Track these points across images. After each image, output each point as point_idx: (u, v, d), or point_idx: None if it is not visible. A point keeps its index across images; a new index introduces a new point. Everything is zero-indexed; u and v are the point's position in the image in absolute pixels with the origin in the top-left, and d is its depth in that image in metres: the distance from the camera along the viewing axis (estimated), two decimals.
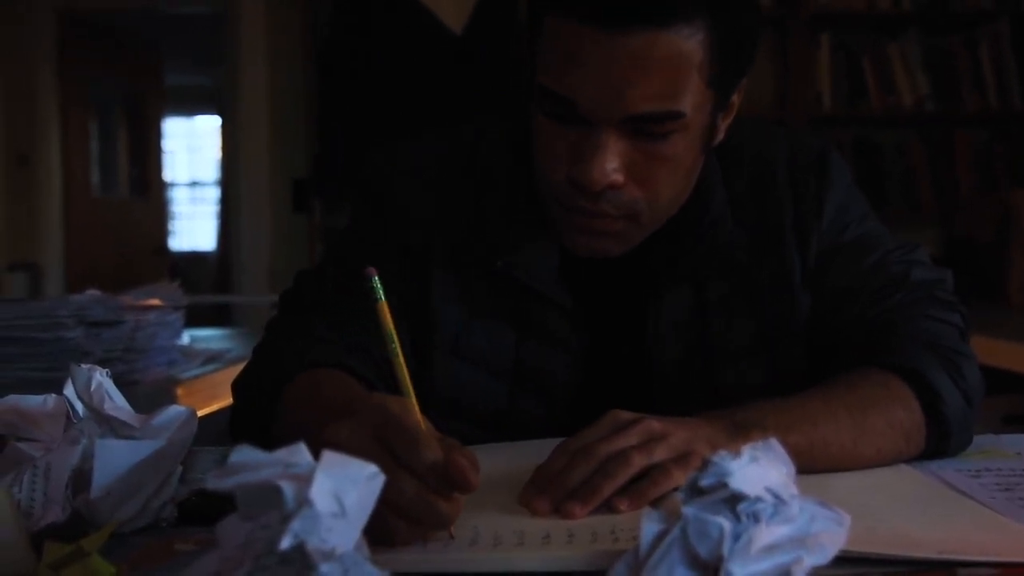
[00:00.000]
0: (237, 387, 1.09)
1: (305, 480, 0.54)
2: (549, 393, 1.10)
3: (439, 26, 3.91)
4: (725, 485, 0.60)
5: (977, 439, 1.04)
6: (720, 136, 1.05)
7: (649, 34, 0.92)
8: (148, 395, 1.64)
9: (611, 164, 0.96)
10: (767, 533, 0.59)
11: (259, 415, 1.00)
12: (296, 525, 0.53)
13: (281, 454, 0.56)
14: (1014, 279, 3.45)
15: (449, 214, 1.12)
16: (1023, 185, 3.88)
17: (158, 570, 0.69)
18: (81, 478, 0.76)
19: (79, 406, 0.81)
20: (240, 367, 1.11)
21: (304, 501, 0.53)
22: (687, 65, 0.93)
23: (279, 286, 1.18)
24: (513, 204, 1.10)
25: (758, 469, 0.61)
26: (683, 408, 0.96)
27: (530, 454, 0.88)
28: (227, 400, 1.62)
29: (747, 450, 0.61)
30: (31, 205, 5.13)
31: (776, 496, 0.60)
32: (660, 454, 0.82)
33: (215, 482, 0.55)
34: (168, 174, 7.93)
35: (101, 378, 0.81)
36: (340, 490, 0.55)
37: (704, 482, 0.60)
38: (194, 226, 9.43)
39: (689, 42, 0.93)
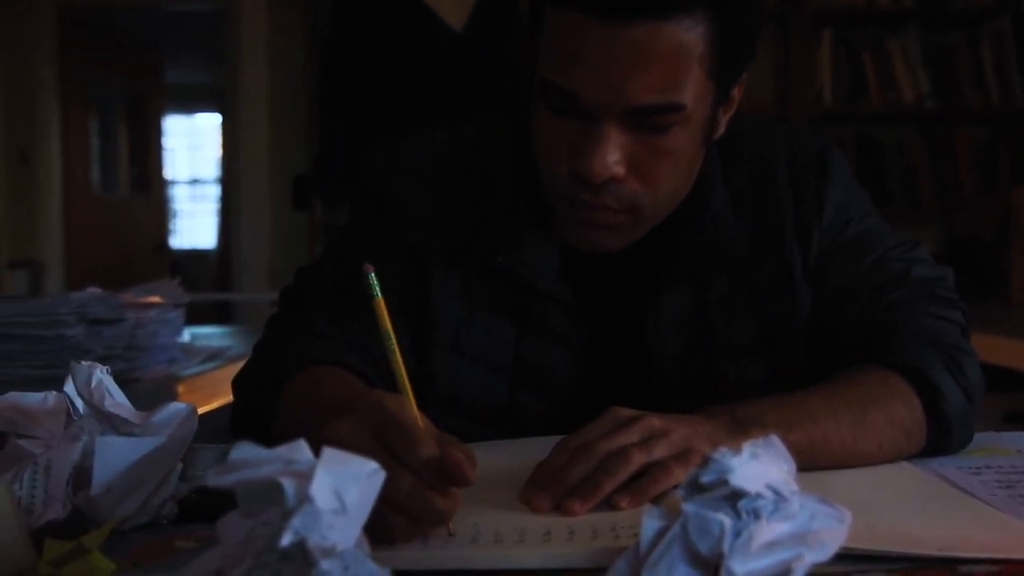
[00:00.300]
0: (237, 385, 1.09)
1: (306, 477, 0.54)
2: (549, 389, 1.10)
3: (439, 26, 3.90)
4: (726, 482, 0.60)
5: (978, 437, 1.04)
6: (721, 130, 1.06)
7: (650, 26, 0.92)
8: (149, 392, 1.64)
9: (612, 157, 0.96)
10: (768, 530, 0.59)
11: (259, 413, 1.00)
12: (297, 522, 0.53)
13: (282, 451, 0.56)
14: (1015, 277, 3.45)
15: (449, 213, 1.12)
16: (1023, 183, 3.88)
17: (159, 567, 0.69)
18: (82, 475, 0.76)
19: (79, 403, 0.81)
20: (240, 365, 1.11)
21: (305, 498, 0.53)
22: (688, 57, 0.94)
23: (279, 283, 1.18)
24: (513, 203, 1.10)
25: (759, 466, 0.61)
26: (683, 405, 0.97)
27: (531, 451, 0.88)
28: (228, 397, 1.62)
29: (747, 447, 0.61)
30: (32, 203, 5.13)
31: (777, 493, 0.60)
32: (660, 451, 0.82)
33: (216, 479, 0.55)
34: (169, 172, 7.93)
35: (101, 375, 0.81)
36: (341, 487, 0.55)
37: (705, 479, 0.60)
38: (195, 224, 9.42)
39: (690, 34, 0.93)
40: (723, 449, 0.61)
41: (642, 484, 0.80)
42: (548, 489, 0.80)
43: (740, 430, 0.86)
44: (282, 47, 4.50)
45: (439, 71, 3.84)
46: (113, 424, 0.79)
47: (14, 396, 0.82)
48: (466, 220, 1.12)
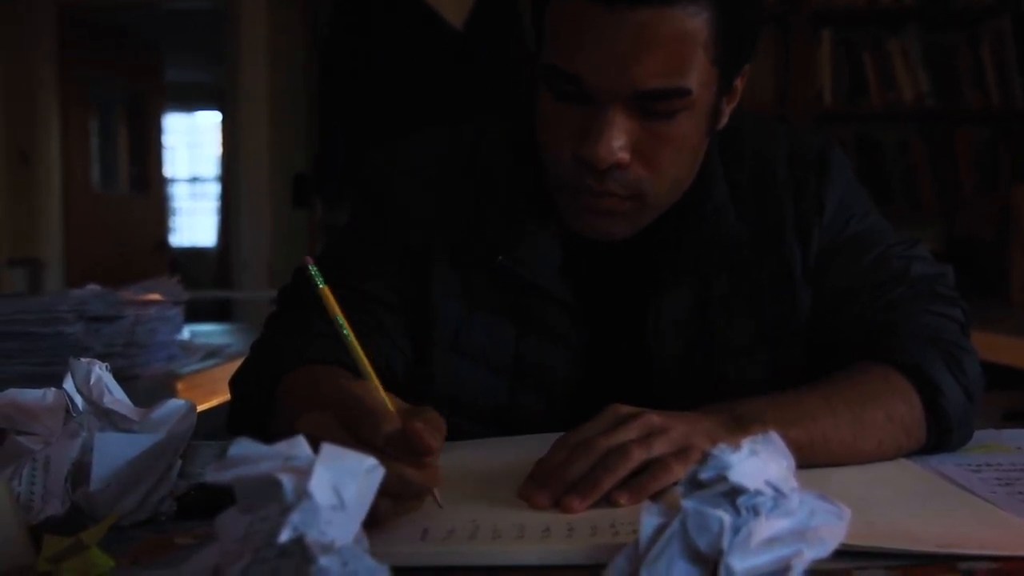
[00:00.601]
0: (235, 383, 1.09)
1: (304, 473, 0.54)
2: (549, 389, 1.10)
3: (439, 25, 3.90)
4: (725, 478, 0.59)
5: (978, 434, 1.04)
6: (724, 120, 1.06)
7: (655, 11, 0.92)
8: (148, 390, 1.64)
9: (617, 142, 0.96)
10: (767, 527, 0.59)
11: (256, 411, 1.00)
12: (295, 518, 0.53)
13: (280, 447, 0.56)
14: (1015, 276, 3.45)
15: (449, 212, 1.12)
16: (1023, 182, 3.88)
17: (157, 564, 0.69)
18: (80, 471, 0.76)
19: (78, 400, 0.81)
20: (240, 362, 1.11)
21: (303, 494, 0.53)
22: (693, 43, 0.94)
23: (279, 282, 1.18)
24: (514, 202, 1.10)
25: (758, 462, 0.60)
26: (683, 405, 0.96)
27: (530, 448, 0.88)
28: (227, 395, 1.61)
29: (747, 443, 0.61)
30: (32, 201, 5.13)
31: (776, 489, 0.60)
32: (659, 448, 0.82)
33: (214, 475, 0.55)
34: (168, 170, 7.93)
35: (100, 372, 0.81)
36: (339, 483, 0.55)
37: (704, 475, 0.60)
38: (194, 222, 9.42)
39: (695, 20, 0.93)
40: (722, 445, 0.61)
41: (641, 481, 0.80)
42: (547, 485, 0.80)
43: (739, 427, 0.86)
44: (282, 46, 4.50)
45: (439, 71, 3.84)
46: (112, 421, 0.79)
47: (13, 393, 0.82)
48: (466, 219, 1.12)
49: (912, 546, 0.68)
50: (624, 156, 0.97)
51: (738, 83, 1.05)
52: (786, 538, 0.59)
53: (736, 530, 0.58)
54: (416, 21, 3.90)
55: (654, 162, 0.99)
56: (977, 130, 4.10)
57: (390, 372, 1.06)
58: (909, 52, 4.03)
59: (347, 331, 0.81)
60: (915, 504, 0.81)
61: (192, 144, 9.69)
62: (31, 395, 0.82)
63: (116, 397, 0.81)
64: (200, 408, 0.84)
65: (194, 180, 9.75)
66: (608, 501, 0.79)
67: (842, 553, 0.63)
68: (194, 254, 8.58)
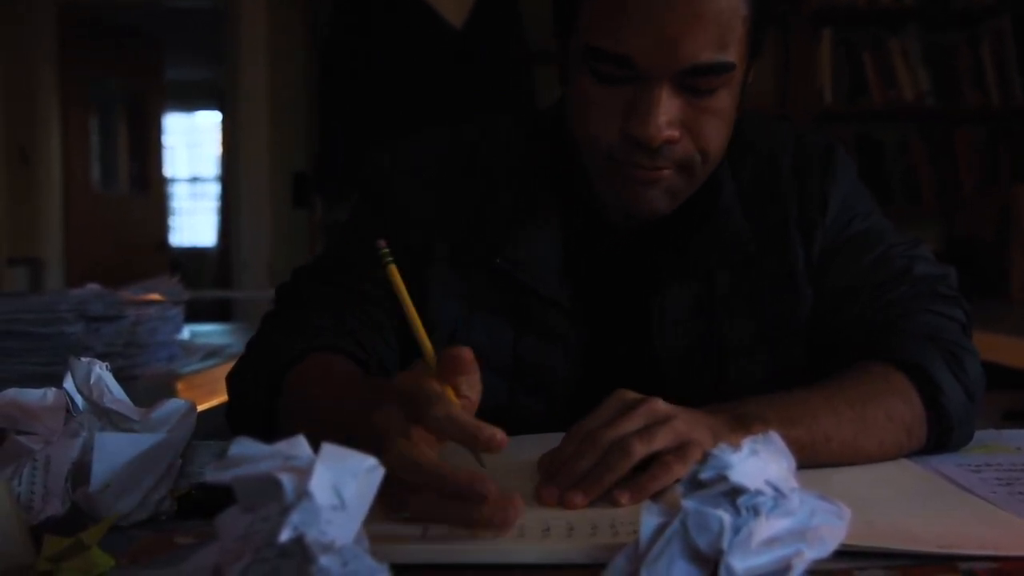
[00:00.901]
0: (231, 380, 1.09)
1: (304, 473, 0.54)
2: (549, 389, 1.10)
3: (439, 25, 3.90)
4: (725, 478, 0.59)
5: (978, 434, 1.04)
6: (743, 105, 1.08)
7: None
8: (148, 390, 1.64)
9: (667, 118, 0.97)
10: (767, 526, 0.59)
11: (254, 408, 1.00)
12: (295, 517, 0.53)
13: (281, 447, 0.56)
14: (1015, 275, 3.45)
15: (449, 213, 1.12)
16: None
17: (157, 563, 0.69)
18: (81, 471, 0.76)
19: (79, 399, 0.81)
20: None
21: (303, 493, 0.53)
22: (736, 17, 0.96)
23: (279, 281, 1.18)
24: (515, 203, 1.11)
25: (758, 462, 0.60)
26: (684, 404, 0.96)
27: (530, 448, 0.88)
28: (227, 395, 1.61)
29: (747, 443, 0.61)
30: (32, 201, 5.13)
31: (776, 489, 0.60)
32: (661, 440, 0.81)
33: (214, 475, 0.55)
34: (168, 170, 7.93)
35: (101, 371, 0.81)
36: (339, 482, 0.55)
37: (704, 475, 0.60)
38: (194, 222, 9.43)
39: None
40: (723, 445, 0.61)
41: (641, 481, 0.80)
42: (555, 481, 0.80)
43: (741, 426, 0.86)
44: (282, 45, 4.50)
45: (439, 71, 3.84)
46: (112, 420, 0.79)
47: (13, 392, 0.82)
48: (466, 220, 1.12)
49: (912, 546, 0.68)
50: (674, 133, 0.98)
51: (751, 72, 1.06)
52: (786, 538, 0.59)
53: (736, 530, 0.58)
54: (416, 21, 3.89)
55: (701, 136, 1.00)
56: (977, 129, 4.10)
57: (383, 369, 1.06)
58: (909, 52, 4.03)
59: (411, 308, 0.82)
60: (915, 504, 0.81)
61: (192, 144, 9.69)
62: (32, 395, 0.82)
63: (116, 397, 0.81)
64: (200, 408, 0.84)
65: (194, 180, 9.75)
66: (609, 500, 0.79)
67: (842, 553, 0.63)
68: (194, 254, 8.58)
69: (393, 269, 0.82)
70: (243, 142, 4.58)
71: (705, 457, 0.61)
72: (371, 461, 0.56)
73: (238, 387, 1.08)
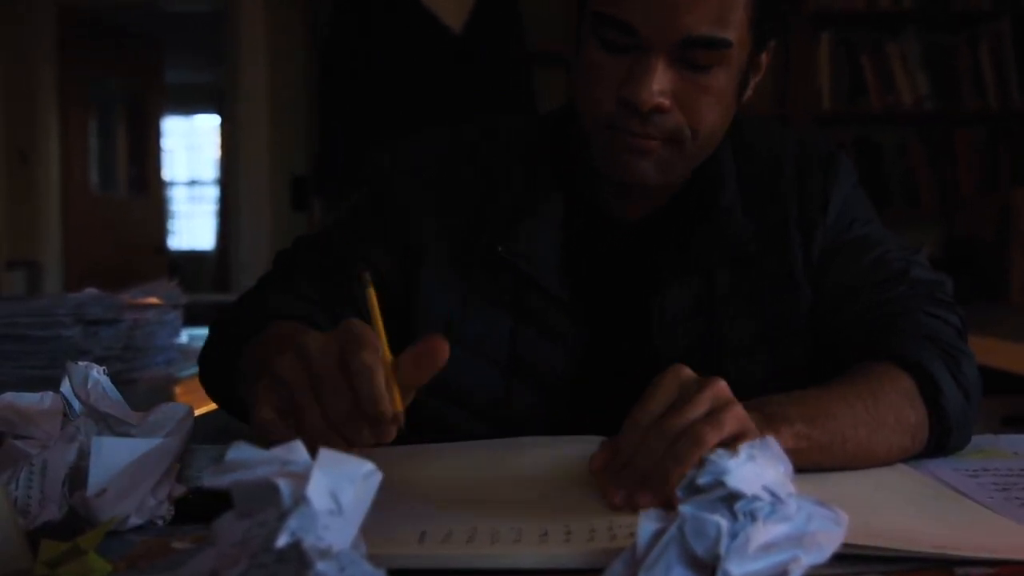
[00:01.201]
0: (215, 324, 1.13)
1: (302, 478, 0.54)
2: (545, 385, 1.10)
3: (439, 26, 3.91)
4: (722, 484, 0.59)
5: (975, 439, 1.04)
6: (749, 93, 1.09)
7: None
8: (146, 393, 1.64)
9: (660, 86, 1.00)
10: (764, 532, 0.59)
11: (226, 352, 1.03)
12: (293, 523, 0.53)
13: (278, 452, 0.56)
14: (1015, 278, 3.45)
15: (449, 212, 1.13)
16: (1023, 183, 3.88)
17: (155, 568, 0.69)
18: (78, 476, 0.76)
19: (76, 403, 0.81)
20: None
21: (301, 499, 0.53)
22: None
23: None
24: (517, 201, 1.12)
25: (755, 468, 0.60)
26: None
27: (528, 451, 0.88)
28: None
29: (744, 448, 0.61)
30: (30, 203, 5.13)
31: (773, 495, 0.60)
32: (729, 427, 0.77)
33: (212, 480, 0.55)
34: (167, 173, 7.93)
35: (98, 375, 0.81)
36: (337, 488, 0.55)
37: (701, 480, 0.60)
38: (193, 225, 9.43)
39: None
40: (720, 451, 0.61)
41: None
42: (621, 482, 0.77)
43: (770, 426, 0.85)
44: (282, 48, 4.50)
45: (439, 73, 3.84)
46: (109, 425, 0.79)
47: (10, 396, 0.82)
48: (466, 218, 1.13)
49: (909, 547, 0.68)
50: (665, 100, 1.01)
51: (763, 58, 1.08)
52: (783, 543, 0.59)
53: (733, 535, 0.58)
54: (416, 23, 3.90)
55: (692, 110, 1.03)
56: (976, 131, 4.10)
57: None
58: (908, 54, 4.04)
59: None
60: (912, 509, 0.81)
61: (191, 147, 9.70)
62: (29, 399, 0.82)
63: (113, 401, 0.81)
64: (198, 412, 0.83)
65: (193, 183, 9.75)
66: (607, 503, 0.79)
67: (839, 558, 0.63)
68: (193, 257, 8.58)
69: (371, 292, 0.81)
70: (242, 145, 4.58)
71: (702, 462, 0.61)
72: (369, 466, 0.56)
73: (217, 329, 1.11)
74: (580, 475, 0.84)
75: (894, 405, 0.96)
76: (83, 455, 0.77)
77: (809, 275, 1.12)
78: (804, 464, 0.85)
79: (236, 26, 4.57)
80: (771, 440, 0.63)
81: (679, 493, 0.61)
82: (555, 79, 4.10)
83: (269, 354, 0.86)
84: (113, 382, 0.83)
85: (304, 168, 4.38)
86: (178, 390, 1.72)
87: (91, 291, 1.73)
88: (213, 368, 1.10)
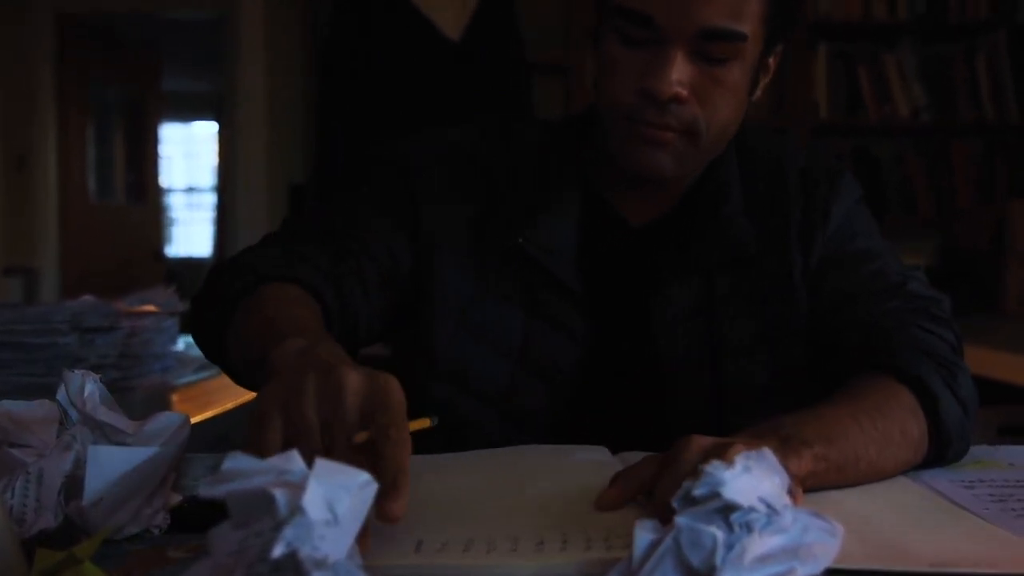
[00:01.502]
0: (212, 271, 1.09)
1: (298, 488, 0.54)
2: (551, 378, 1.11)
3: (438, 36, 3.92)
4: (718, 495, 0.60)
5: (972, 450, 1.04)
6: (758, 93, 1.12)
7: None
8: (142, 401, 1.64)
9: (679, 76, 1.03)
10: (760, 543, 0.59)
11: (223, 311, 1.00)
12: (288, 533, 0.53)
13: (274, 461, 0.56)
14: (1010, 289, 3.46)
15: (469, 198, 1.15)
16: (1020, 195, 3.89)
17: None
18: (74, 485, 0.76)
19: (72, 412, 0.81)
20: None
21: (297, 509, 0.53)
22: None
23: None
24: (536, 195, 1.14)
25: (751, 479, 0.61)
26: (685, 402, 1.04)
27: (524, 460, 0.88)
28: (222, 407, 1.61)
29: (740, 460, 0.61)
30: (27, 209, 5.12)
31: (769, 506, 0.60)
32: None
33: (208, 489, 0.55)
34: (165, 180, 7.93)
35: (94, 384, 0.81)
36: (333, 498, 0.55)
37: (697, 492, 0.60)
38: (191, 232, 9.42)
39: None
40: (715, 462, 0.61)
41: None
42: None
43: (792, 451, 0.84)
44: (280, 56, 4.50)
45: (438, 81, 3.85)
46: (105, 433, 0.79)
47: (6, 405, 0.82)
48: (484, 207, 1.15)
49: (905, 566, 0.68)
50: (682, 91, 1.04)
51: (771, 61, 1.11)
52: (779, 555, 0.59)
53: (729, 547, 0.58)
54: (416, 32, 3.91)
55: (708, 102, 1.06)
56: (972, 143, 4.11)
57: (352, 319, 1.07)
58: (905, 66, 4.05)
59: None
60: (909, 521, 0.81)
61: (189, 154, 9.70)
62: (25, 407, 0.82)
63: (109, 410, 0.81)
64: (194, 420, 0.83)
65: (190, 190, 9.75)
66: (605, 510, 0.79)
67: (835, 571, 0.63)
68: (190, 264, 8.57)
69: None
70: (240, 152, 4.59)
71: (698, 474, 0.61)
72: (365, 476, 0.56)
73: (214, 276, 1.07)
74: (577, 484, 0.84)
75: (898, 420, 0.96)
76: (79, 464, 0.77)
77: (807, 280, 1.13)
78: (819, 486, 0.85)
79: (235, 34, 4.58)
80: (767, 452, 0.63)
81: (675, 504, 0.61)
82: (553, 89, 4.11)
83: (269, 330, 0.85)
84: (110, 390, 0.83)
85: (302, 176, 4.38)
86: (175, 398, 1.72)
87: (88, 299, 1.73)
88: (204, 316, 1.06)
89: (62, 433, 0.80)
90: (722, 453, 0.75)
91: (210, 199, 9.24)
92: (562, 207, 1.13)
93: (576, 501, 0.82)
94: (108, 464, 0.75)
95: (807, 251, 1.13)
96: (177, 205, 9.63)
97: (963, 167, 4.09)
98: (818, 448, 0.86)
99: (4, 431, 0.80)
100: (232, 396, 1.73)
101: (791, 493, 0.72)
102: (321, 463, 0.55)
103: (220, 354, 1.02)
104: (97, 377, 0.82)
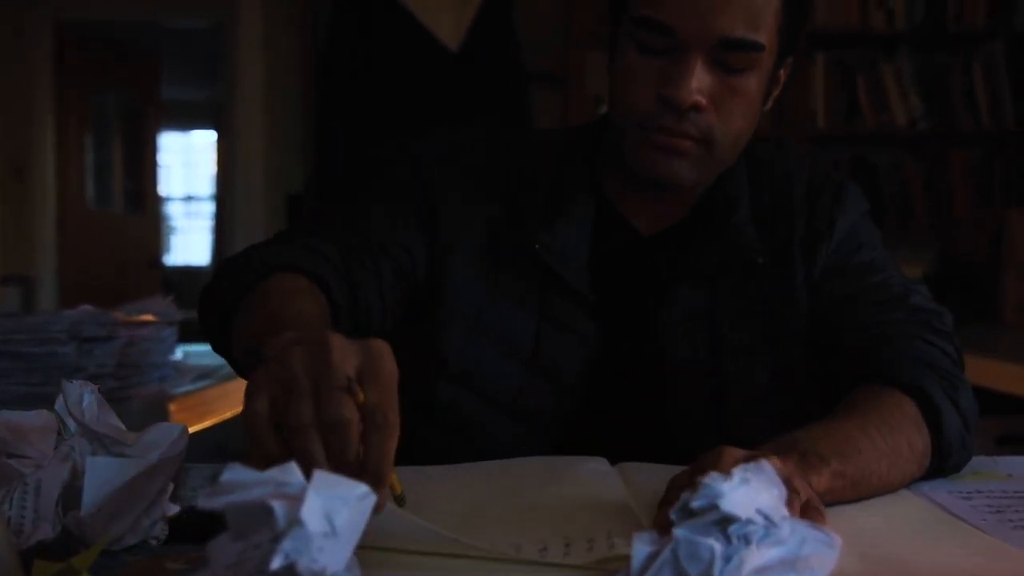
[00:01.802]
0: (224, 263, 1.08)
1: (296, 500, 0.54)
2: (559, 380, 1.12)
3: (436, 44, 3.92)
4: (716, 507, 0.60)
5: (972, 460, 1.04)
6: (770, 104, 1.13)
7: None
8: (141, 411, 1.64)
9: (698, 84, 1.05)
10: (758, 555, 0.59)
11: (220, 302, 1.00)
12: (287, 545, 0.53)
13: (273, 473, 0.56)
14: (1008, 298, 3.46)
15: (482, 203, 1.16)
16: (1017, 204, 3.89)
17: None
18: (71, 495, 0.76)
19: (70, 422, 0.81)
20: (233, 384, 1.11)
21: (295, 521, 0.53)
22: (768, 6, 1.05)
23: None
24: (550, 201, 1.15)
25: (749, 491, 0.61)
26: (687, 403, 1.07)
27: (523, 472, 0.88)
28: (220, 416, 1.61)
29: (738, 472, 0.61)
30: (26, 218, 5.12)
31: (767, 518, 0.60)
32: (805, 493, 0.78)
33: (206, 501, 0.55)
34: (163, 188, 7.93)
35: (92, 394, 0.81)
36: (331, 510, 0.55)
37: (695, 504, 0.60)
38: (189, 241, 9.42)
39: None
40: (713, 474, 0.61)
41: None
42: None
43: (810, 466, 0.84)
44: (279, 65, 4.51)
45: (436, 90, 3.86)
46: (103, 443, 0.79)
47: (4, 415, 0.82)
48: (498, 210, 1.15)
49: None
50: (701, 99, 1.05)
51: (782, 73, 1.13)
52: (777, 567, 0.59)
53: (727, 559, 0.58)
54: (415, 42, 3.91)
55: (724, 112, 1.07)
56: (970, 152, 4.11)
57: (365, 315, 1.07)
58: (903, 75, 4.05)
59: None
60: (907, 533, 0.81)
61: (187, 163, 9.70)
62: (23, 417, 0.81)
63: (107, 420, 0.80)
64: (192, 430, 0.83)
65: (189, 199, 9.75)
66: (606, 514, 0.79)
67: None
68: (188, 273, 8.57)
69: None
70: (238, 161, 4.59)
71: (696, 486, 0.61)
72: (363, 488, 0.56)
73: (224, 268, 1.07)
74: (578, 494, 0.84)
75: (905, 433, 0.96)
76: (77, 474, 0.76)
77: (810, 288, 1.15)
78: (834, 501, 0.85)
79: (234, 43, 4.58)
80: (765, 464, 0.63)
81: (673, 516, 0.61)
82: (551, 97, 4.12)
83: (270, 324, 0.85)
84: (108, 399, 0.82)
85: (300, 186, 4.38)
86: (173, 407, 1.71)
87: (86, 308, 1.73)
88: (213, 306, 1.05)
89: (60, 443, 0.80)
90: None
91: (208, 208, 9.25)
92: (576, 213, 1.14)
93: (578, 510, 0.82)
94: (106, 475, 0.75)
95: (810, 262, 1.15)
96: (175, 214, 9.63)
97: (961, 176, 4.10)
98: (835, 464, 0.86)
99: (2, 441, 0.80)
100: (230, 406, 1.73)
101: (790, 505, 0.73)
102: (319, 475, 0.55)
103: (227, 347, 1.02)
104: (95, 387, 0.82)
